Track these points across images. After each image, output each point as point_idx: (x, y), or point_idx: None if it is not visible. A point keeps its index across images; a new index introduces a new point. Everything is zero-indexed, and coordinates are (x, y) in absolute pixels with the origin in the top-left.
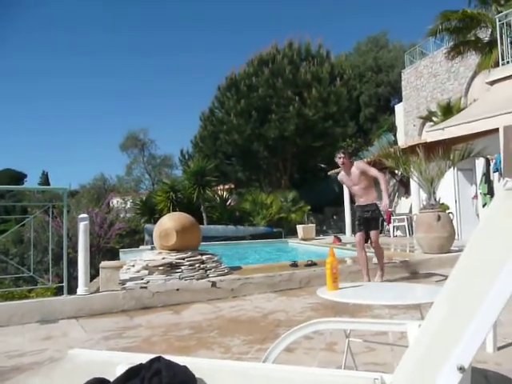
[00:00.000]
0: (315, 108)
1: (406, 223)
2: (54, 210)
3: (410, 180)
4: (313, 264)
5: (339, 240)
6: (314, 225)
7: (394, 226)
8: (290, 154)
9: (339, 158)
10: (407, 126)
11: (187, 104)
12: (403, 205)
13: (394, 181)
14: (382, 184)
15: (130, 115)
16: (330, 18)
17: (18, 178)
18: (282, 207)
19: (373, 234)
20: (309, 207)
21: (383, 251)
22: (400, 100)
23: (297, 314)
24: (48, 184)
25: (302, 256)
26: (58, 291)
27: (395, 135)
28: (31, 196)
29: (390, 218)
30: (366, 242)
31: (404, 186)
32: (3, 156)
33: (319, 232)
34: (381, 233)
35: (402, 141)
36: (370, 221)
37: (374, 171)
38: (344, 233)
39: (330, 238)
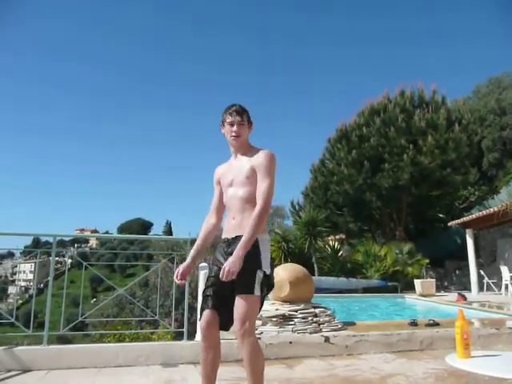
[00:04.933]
0: (431, 156)
1: None
2: (176, 257)
3: None
4: (435, 324)
5: (464, 298)
6: (434, 280)
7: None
8: (404, 204)
9: (232, 125)
10: None
11: (298, 156)
12: None
13: None
14: (259, 211)
15: None
16: (444, 65)
17: (146, 226)
18: (397, 260)
19: (238, 303)
20: (427, 260)
21: (262, 357)
22: None
23: (419, 380)
24: (171, 231)
25: (421, 314)
26: (177, 335)
27: None
28: (156, 243)
29: None
30: (226, 329)
31: None
32: (135, 207)
33: (440, 288)
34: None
35: None
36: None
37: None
38: (469, 290)
39: (452, 296)
